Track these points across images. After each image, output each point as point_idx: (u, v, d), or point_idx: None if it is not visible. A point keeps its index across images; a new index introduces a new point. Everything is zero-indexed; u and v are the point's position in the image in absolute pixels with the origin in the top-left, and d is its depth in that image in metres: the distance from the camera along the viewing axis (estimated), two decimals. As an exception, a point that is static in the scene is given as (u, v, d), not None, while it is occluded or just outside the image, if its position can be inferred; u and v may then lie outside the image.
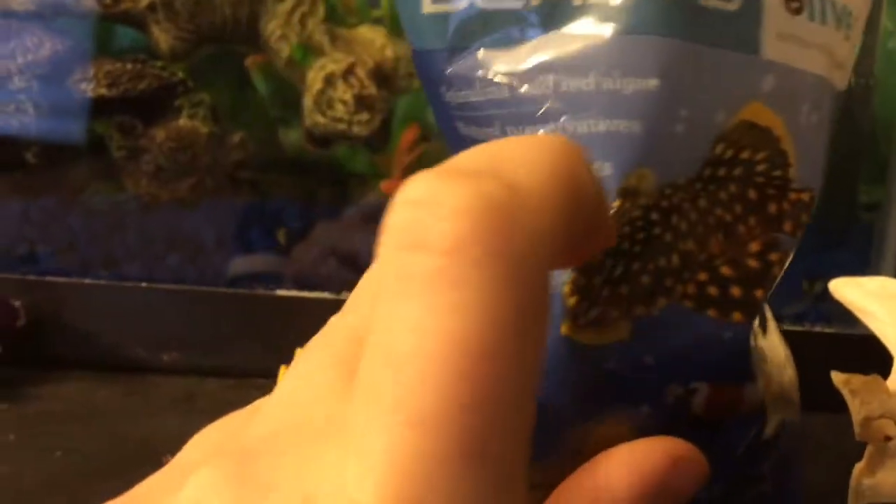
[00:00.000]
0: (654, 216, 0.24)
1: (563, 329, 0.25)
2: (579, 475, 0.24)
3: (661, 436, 0.24)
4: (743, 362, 0.26)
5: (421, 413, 0.17)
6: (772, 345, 0.28)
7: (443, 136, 0.28)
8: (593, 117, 0.24)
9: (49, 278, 0.57)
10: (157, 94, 0.60)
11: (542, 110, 0.24)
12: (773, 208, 0.26)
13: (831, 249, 0.60)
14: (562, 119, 0.24)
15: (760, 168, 0.25)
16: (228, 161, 0.61)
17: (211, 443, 0.22)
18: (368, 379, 0.18)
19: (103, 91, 0.59)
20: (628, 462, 0.23)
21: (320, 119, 0.61)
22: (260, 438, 0.20)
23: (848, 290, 0.39)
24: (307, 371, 0.22)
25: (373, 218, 0.60)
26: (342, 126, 0.61)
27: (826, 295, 0.58)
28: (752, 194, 0.25)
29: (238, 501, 0.18)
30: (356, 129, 0.61)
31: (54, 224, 0.61)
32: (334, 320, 0.24)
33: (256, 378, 0.48)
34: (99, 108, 0.60)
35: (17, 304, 0.54)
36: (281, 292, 0.56)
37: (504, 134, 0.25)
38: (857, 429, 0.40)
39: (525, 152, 0.19)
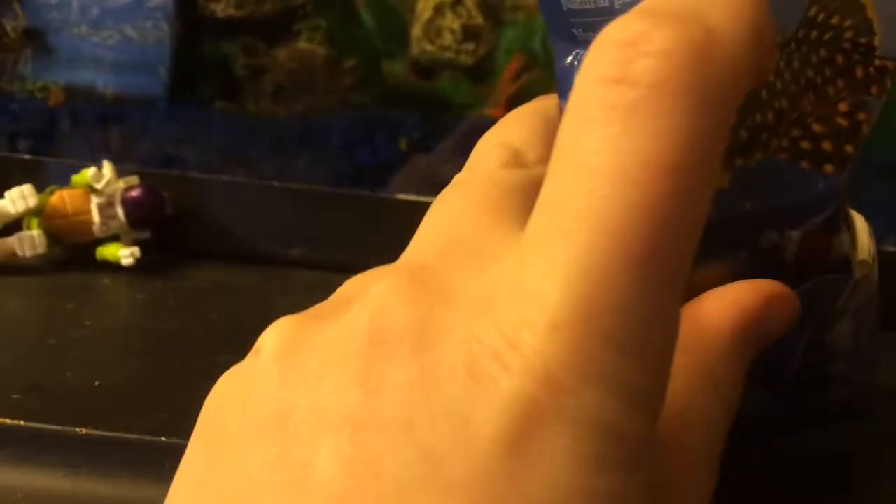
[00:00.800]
0: None
1: None
2: (684, 310, 0.26)
3: (758, 278, 0.26)
4: (833, 212, 0.28)
5: (611, 221, 0.18)
6: (854, 214, 0.30)
7: (546, 66, 0.29)
8: None
9: (191, 174, 0.60)
10: (280, 17, 0.63)
11: None
12: (859, 73, 0.27)
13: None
14: None
15: (847, 35, 0.27)
16: (343, 84, 0.64)
17: (371, 273, 0.22)
18: (557, 190, 0.19)
19: (232, 11, 0.63)
20: (730, 301, 0.25)
21: (428, 47, 0.63)
22: (427, 256, 0.21)
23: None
24: (450, 214, 0.23)
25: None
26: (449, 54, 0.63)
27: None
28: (839, 59, 0.27)
29: (422, 301, 0.19)
30: (462, 58, 0.63)
31: (195, 128, 0.64)
32: (461, 177, 0.25)
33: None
34: (226, 28, 0.63)
35: (164, 194, 0.57)
36: (401, 196, 0.58)
37: None
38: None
39: None
